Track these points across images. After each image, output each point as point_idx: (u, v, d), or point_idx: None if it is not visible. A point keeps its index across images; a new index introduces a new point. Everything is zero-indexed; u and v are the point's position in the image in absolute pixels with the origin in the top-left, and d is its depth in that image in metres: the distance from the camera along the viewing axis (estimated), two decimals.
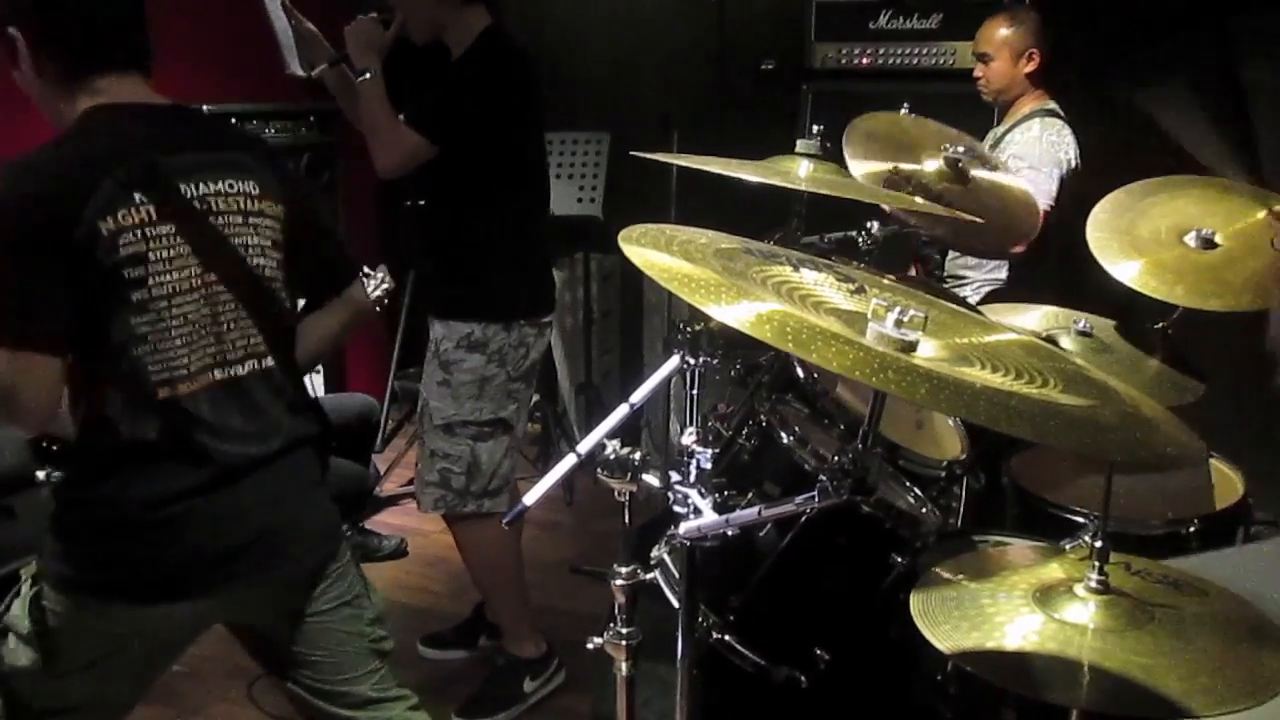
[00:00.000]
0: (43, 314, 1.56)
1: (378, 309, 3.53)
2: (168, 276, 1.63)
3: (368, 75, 2.58)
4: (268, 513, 1.74)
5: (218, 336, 1.69)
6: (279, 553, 1.76)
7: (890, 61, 3.82)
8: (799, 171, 1.83)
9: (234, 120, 3.65)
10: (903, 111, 2.64)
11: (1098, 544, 1.39)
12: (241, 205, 1.73)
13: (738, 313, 1.03)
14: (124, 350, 1.61)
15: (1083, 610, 1.37)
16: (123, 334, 1.60)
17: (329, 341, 1.98)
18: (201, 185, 1.68)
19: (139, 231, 1.60)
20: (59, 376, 1.59)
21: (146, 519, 1.64)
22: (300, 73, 2.79)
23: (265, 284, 1.77)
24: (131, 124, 1.67)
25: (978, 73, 3.22)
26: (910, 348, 1.09)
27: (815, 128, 1.91)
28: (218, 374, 1.70)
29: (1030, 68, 3.12)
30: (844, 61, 3.91)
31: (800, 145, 1.85)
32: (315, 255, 1.89)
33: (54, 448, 1.98)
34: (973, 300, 2.98)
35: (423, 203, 2.83)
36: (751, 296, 1.08)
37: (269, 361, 1.77)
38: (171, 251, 1.63)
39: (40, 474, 3.34)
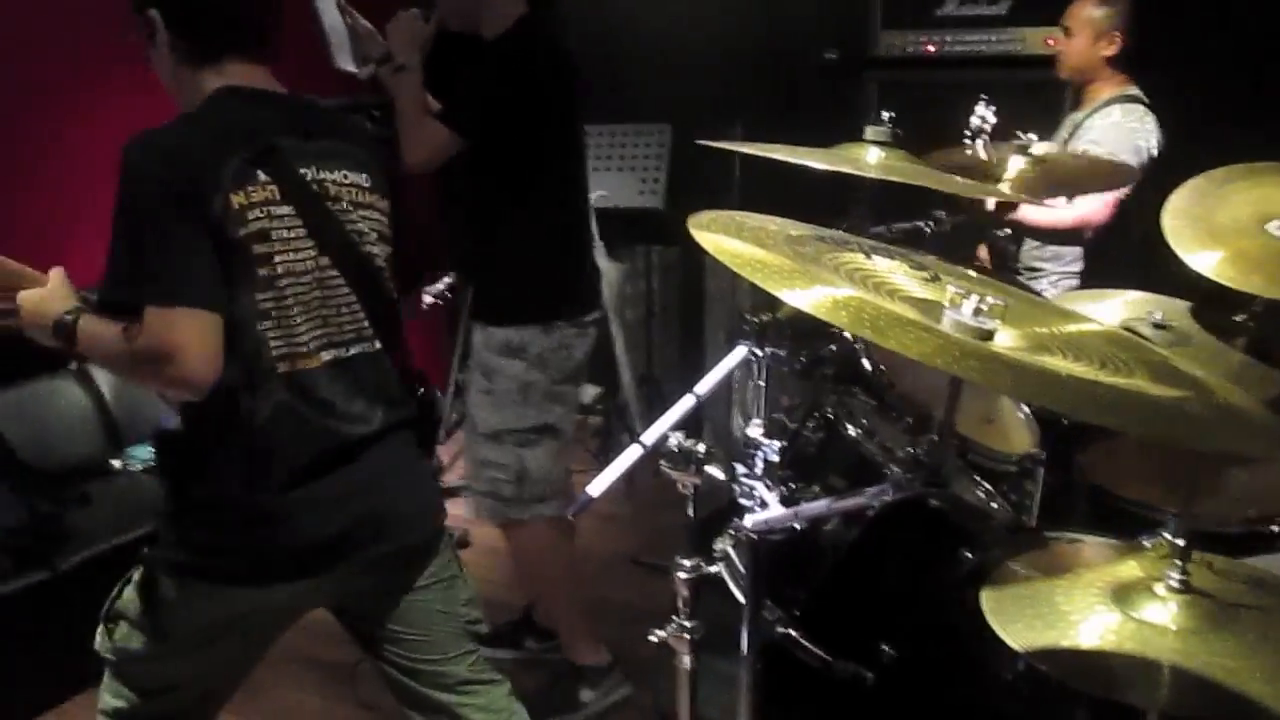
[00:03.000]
0: (197, 272, 1.59)
1: (440, 302, 3.56)
2: (288, 256, 1.68)
3: (405, 69, 2.58)
4: (376, 493, 1.78)
5: (325, 319, 1.73)
6: (386, 532, 1.79)
7: (957, 49, 3.75)
8: (868, 158, 1.79)
9: None
10: (978, 109, 2.58)
11: (1179, 541, 1.35)
12: (354, 196, 1.78)
13: (813, 298, 1.01)
14: (248, 325, 1.64)
15: (1163, 610, 1.32)
16: (248, 308, 1.64)
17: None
18: (320, 171, 1.74)
19: (265, 209, 1.65)
20: (220, 334, 1.60)
21: (260, 503, 1.68)
22: (352, 69, 2.81)
23: (374, 271, 1.81)
24: (257, 107, 1.72)
25: (1059, 45, 3.14)
26: (988, 336, 1.06)
27: (885, 114, 1.87)
28: (327, 355, 1.73)
29: (1109, 51, 3.04)
30: (909, 50, 3.85)
31: (869, 132, 1.81)
32: (400, 255, 1.91)
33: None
34: (1049, 294, 2.91)
35: (459, 204, 2.79)
36: (826, 282, 1.06)
37: (376, 345, 1.81)
38: (291, 233, 1.68)
39: (116, 463, 3.42)
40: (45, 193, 3.41)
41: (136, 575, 1.77)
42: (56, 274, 1.76)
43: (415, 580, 1.87)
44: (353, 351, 1.77)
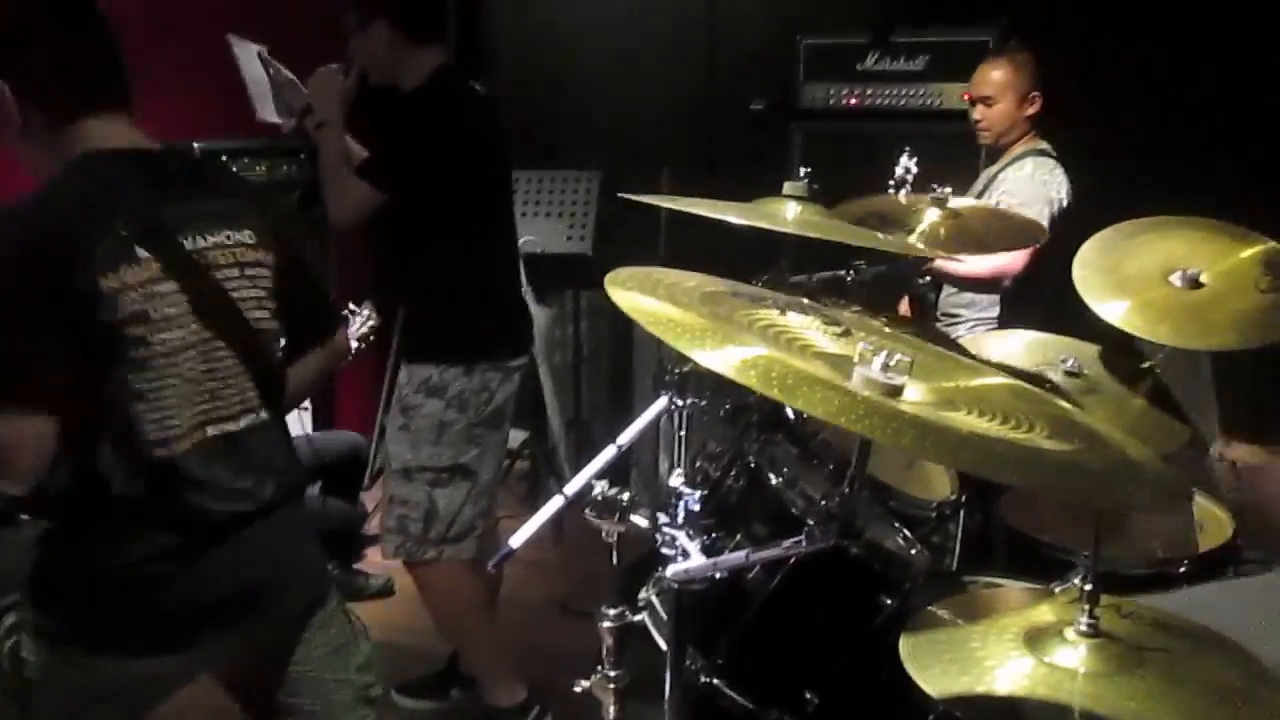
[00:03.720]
0: (38, 372, 1.53)
1: (363, 345, 3.54)
2: (168, 334, 1.60)
3: (326, 124, 2.59)
4: (256, 567, 1.72)
5: (212, 393, 1.66)
6: (266, 604, 1.74)
7: (878, 102, 3.85)
8: (786, 214, 1.84)
9: (224, 157, 3.65)
10: (902, 160, 2.65)
11: (1088, 586, 1.38)
12: (238, 257, 1.70)
13: (723, 358, 1.03)
14: (120, 406, 1.57)
15: (1073, 654, 1.35)
16: (119, 390, 1.57)
17: (308, 385, 1.96)
18: (199, 239, 1.66)
19: (142, 289, 1.57)
20: (52, 435, 1.55)
21: (133, 575, 1.61)
22: (276, 120, 2.80)
23: (261, 337, 1.74)
24: (127, 171, 1.64)
25: (977, 115, 3.18)
26: (896, 392, 1.08)
27: (802, 170, 1.92)
28: (211, 430, 1.66)
29: (1032, 110, 3.11)
30: (832, 102, 3.94)
31: (787, 188, 1.86)
32: (303, 303, 1.86)
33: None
34: (966, 340, 2.98)
35: (387, 242, 2.79)
36: (737, 341, 1.08)
37: (264, 414, 1.75)
38: (173, 309, 1.61)
39: (22, 515, 3.31)
40: None
41: (1, 638, 1.68)
42: None
43: (301, 652, 1.81)
44: (242, 424, 1.71)
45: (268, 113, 2.81)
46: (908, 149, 2.69)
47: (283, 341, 1.81)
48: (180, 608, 1.65)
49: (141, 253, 1.57)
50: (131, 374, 1.57)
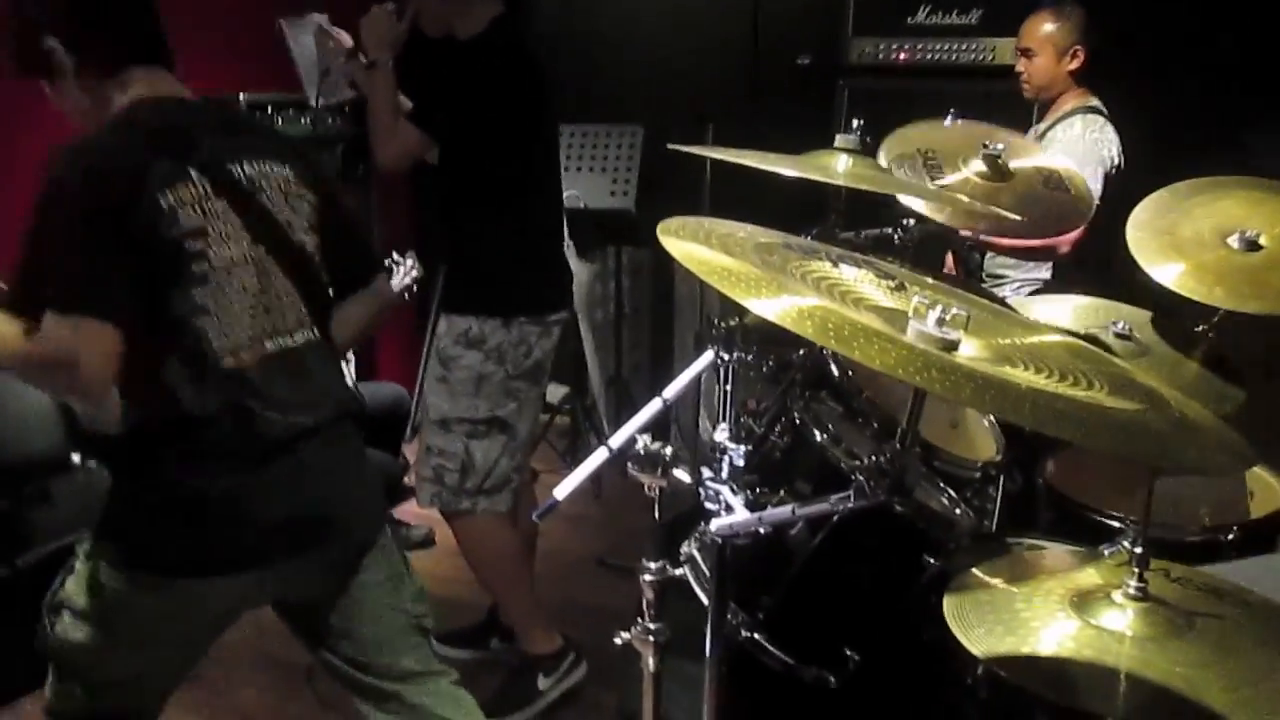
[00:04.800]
0: (106, 285, 1.60)
1: (405, 297, 3.56)
2: (225, 249, 1.69)
3: (376, 66, 2.58)
4: (319, 485, 1.78)
5: (268, 308, 1.74)
6: (331, 525, 1.80)
7: (928, 58, 3.78)
8: (837, 167, 1.81)
9: (269, 109, 3.67)
10: (948, 120, 2.59)
11: (1138, 550, 1.36)
12: (282, 186, 1.80)
13: (779, 308, 1.02)
14: (187, 321, 1.65)
15: (1121, 617, 1.34)
16: (186, 305, 1.65)
17: (357, 332, 2.01)
18: (247, 165, 1.75)
19: (197, 206, 1.66)
20: (118, 348, 1.61)
21: (203, 495, 1.67)
22: (328, 100, 2.81)
23: (308, 259, 1.82)
24: (175, 112, 1.75)
25: (1020, 68, 3.16)
26: (952, 347, 1.07)
27: (855, 122, 1.89)
28: (270, 344, 1.74)
29: (1074, 65, 3.07)
30: (881, 57, 3.87)
31: (839, 140, 1.82)
32: (344, 247, 1.92)
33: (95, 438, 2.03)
34: (1013, 300, 2.94)
35: (430, 197, 2.82)
36: (792, 292, 1.07)
37: (317, 333, 1.83)
38: (226, 226, 1.70)
39: (75, 457, 3.38)
40: None
41: (79, 566, 1.76)
42: None
43: (363, 577, 1.87)
44: (298, 339, 1.79)
45: (316, 95, 2.80)
46: (953, 111, 2.62)
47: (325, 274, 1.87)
48: (252, 525, 1.70)
49: (193, 172, 1.67)
50: (196, 287, 1.65)
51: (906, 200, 2.35)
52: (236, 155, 1.75)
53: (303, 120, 3.83)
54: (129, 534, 1.71)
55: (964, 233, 2.92)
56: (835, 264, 1.24)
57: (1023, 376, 1.06)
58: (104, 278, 1.60)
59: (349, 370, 4.10)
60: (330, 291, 1.89)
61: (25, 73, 1.74)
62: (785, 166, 1.69)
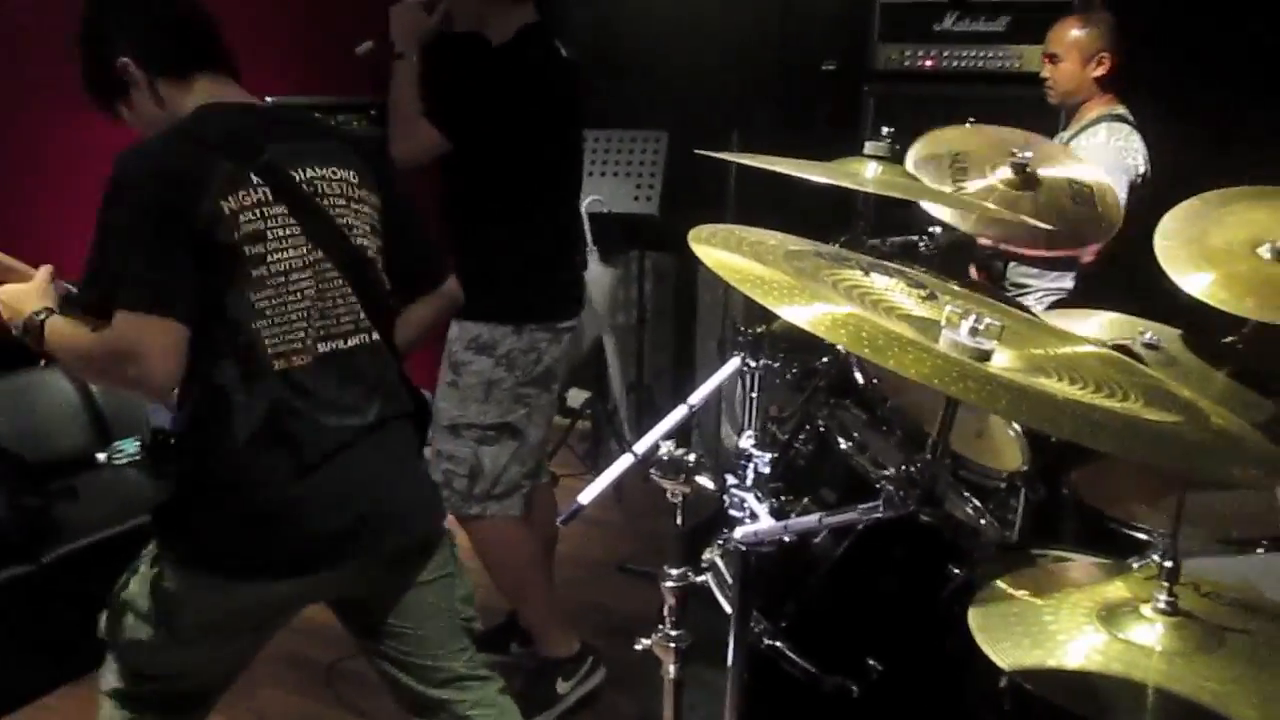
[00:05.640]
0: (173, 284, 1.64)
1: None
2: (283, 254, 1.72)
3: (403, 57, 2.58)
4: (378, 487, 1.80)
5: (323, 312, 1.76)
6: (390, 527, 1.82)
7: (954, 64, 3.77)
8: (866, 174, 1.80)
9: None
10: (968, 125, 2.58)
11: (1168, 564, 1.35)
12: (344, 190, 1.81)
13: (813, 316, 1.01)
14: (243, 324, 1.68)
15: (1150, 631, 1.32)
16: (242, 308, 1.68)
17: (420, 332, 2.03)
18: (308, 170, 1.78)
19: (258, 211, 1.69)
20: (184, 344, 1.64)
21: (264, 499, 1.70)
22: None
23: (368, 264, 1.84)
24: (239, 117, 1.78)
25: (1045, 73, 3.15)
26: (985, 356, 1.06)
27: (884, 129, 1.88)
28: (323, 347, 1.76)
29: (1100, 72, 3.06)
30: (907, 64, 3.86)
31: (869, 147, 1.82)
32: (409, 249, 1.94)
33: (171, 440, 2.06)
34: (1037, 309, 2.92)
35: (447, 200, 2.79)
36: (825, 300, 1.06)
37: (375, 336, 1.84)
38: (286, 230, 1.72)
39: (102, 456, 3.41)
40: (42, 190, 3.40)
41: (143, 567, 1.80)
42: (43, 272, 1.81)
43: (416, 576, 1.89)
44: (351, 343, 1.80)
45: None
46: (973, 120, 2.61)
47: (387, 278, 1.89)
48: (312, 527, 1.73)
49: (254, 179, 1.70)
50: (253, 291, 1.68)
51: (927, 206, 2.34)
52: (298, 160, 1.77)
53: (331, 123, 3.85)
54: (191, 537, 1.74)
55: (983, 241, 2.91)
56: (866, 272, 1.24)
57: (1058, 387, 1.05)
58: (170, 277, 1.63)
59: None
60: (391, 294, 1.90)
61: (100, 94, 1.80)
62: (815, 173, 1.68)
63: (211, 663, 1.87)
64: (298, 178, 1.76)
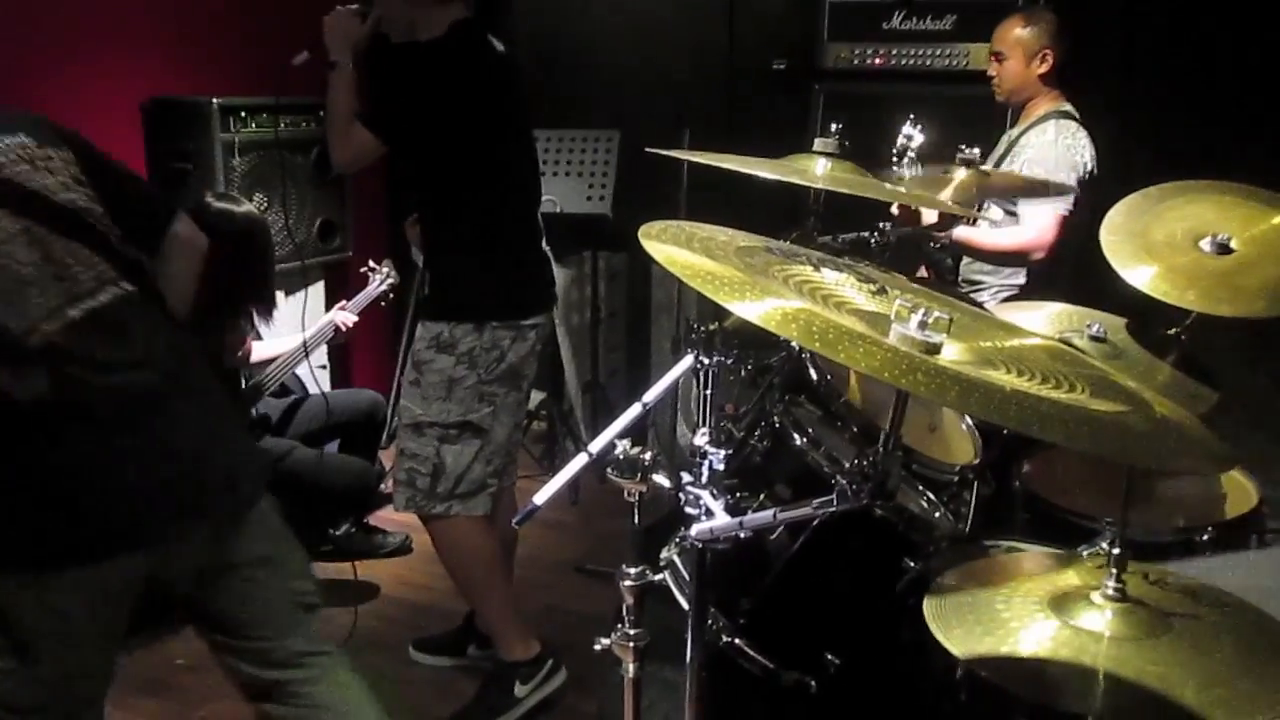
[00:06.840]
0: None
1: (382, 303, 3.54)
2: None
3: (337, 66, 2.58)
4: (188, 440, 1.73)
5: (58, 275, 1.68)
6: (200, 491, 1.75)
7: (903, 62, 3.81)
8: (816, 170, 1.82)
9: (243, 113, 3.64)
10: (904, 128, 2.61)
11: (1115, 551, 1.38)
12: (22, 155, 1.72)
13: (763, 311, 1.02)
14: None
15: (1099, 618, 1.35)
16: None
17: (185, 287, 1.93)
18: None
19: None
20: None
21: (58, 475, 1.64)
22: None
23: (85, 214, 1.75)
24: None
25: (991, 71, 3.20)
26: (934, 350, 1.07)
27: (833, 126, 1.90)
28: (73, 310, 1.68)
29: (1043, 69, 3.10)
30: (856, 62, 3.90)
31: (818, 144, 1.84)
32: (123, 191, 1.85)
33: None
34: (990, 305, 2.96)
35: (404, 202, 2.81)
36: (776, 295, 1.07)
37: (127, 286, 1.76)
38: None
39: None
40: None
41: None
42: None
43: (241, 554, 1.83)
44: (103, 298, 1.72)
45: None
46: (912, 118, 2.64)
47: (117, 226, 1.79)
48: (122, 497, 1.66)
49: None
50: None
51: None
52: None
53: (283, 122, 3.81)
54: None
55: (937, 235, 2.95)
56: (817, 267, 1.25)
57: (1006, 379, 1.07)
58: None
59: (323, 378, 4.07)
60: (127, 241, 1.81)
61: None
62: (765, 170, 1.69)
63: (63, 675, 1.74)
64: None
